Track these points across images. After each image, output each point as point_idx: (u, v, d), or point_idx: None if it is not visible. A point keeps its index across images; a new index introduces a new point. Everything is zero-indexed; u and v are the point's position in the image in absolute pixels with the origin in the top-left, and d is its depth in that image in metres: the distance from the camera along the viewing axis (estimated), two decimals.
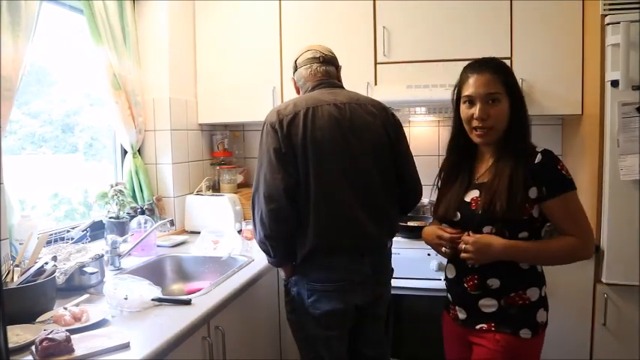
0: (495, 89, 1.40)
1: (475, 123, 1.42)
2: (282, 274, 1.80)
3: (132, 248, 2.05)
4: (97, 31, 2.18)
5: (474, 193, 1.45)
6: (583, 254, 1.43)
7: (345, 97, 1.73)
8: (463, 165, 1.52)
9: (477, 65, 1.45)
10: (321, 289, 1.65)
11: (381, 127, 1.72)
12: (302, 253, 1.66)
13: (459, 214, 1.47)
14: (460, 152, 1.53)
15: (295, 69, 1.85)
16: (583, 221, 1.40)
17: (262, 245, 1.70)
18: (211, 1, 2.77)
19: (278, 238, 1.65)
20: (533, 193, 1.37)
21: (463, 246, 1.41)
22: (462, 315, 1.49)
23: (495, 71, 1.42)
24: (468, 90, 1.43)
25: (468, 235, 1.41)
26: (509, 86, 1.42)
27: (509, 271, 1.40)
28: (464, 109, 1.45)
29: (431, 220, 1.73)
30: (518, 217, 1.36)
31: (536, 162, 1.37)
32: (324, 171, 1.63)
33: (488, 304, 1.42)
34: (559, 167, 1.37)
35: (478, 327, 1.44)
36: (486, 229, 1.40)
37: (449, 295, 1.56)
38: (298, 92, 1.87)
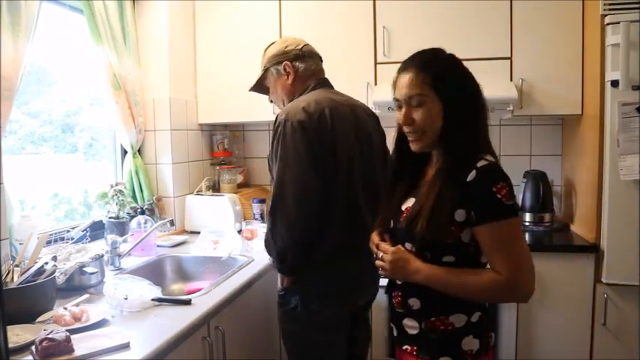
0: (417, 90, 1.20)
1: (404, 129, 1.26)
2: (279, 283, 1.69)
3: (132, 248, 2.05)
4: (97, 31, 2.18)
5: (409, 202, 1.29)
6: (509, 296, 1.22)
7: (347, 98, 1.73)
8: (406, 170, 1.36)
9: (404, 63, 1.27)
10: (331, 293, 1.59)
11: (378, 131, 1.75)
12: (317, 258, 1.57)
13: (392, 223, 1.34)
14: (404, 157, 1.35)
15: (301, 57, 1.74)
16: (515, 257, 1.15)
17: (282, 251, 1.54)
18: (211, 1, 2.77)
19: (304, 244, 1.53)
20: (460, 215, 1.17)
21: (381, 254, 1.30)
22: (394, 332, 1.36)
23: (421, 69, 1.21)
24: (395, 92, 1.27)
25: (394, 245, 1.28)
26: (439, 84, 1.20)
27: (430, 293, 1.23)
28: (396, 113, 1.29)
29: None
30: (442, 240, 1.19)
31: (468, 180, 1.16)
32: (348, 173, 1.58)
33: (410, 325, 1.29)
34: (494, 189, 1.14)
35: (404, 347, 1.31)
36: (408, 245, 1.26)
37: None
38: (288, 80, 1.74)
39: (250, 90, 1.90)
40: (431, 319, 1.25)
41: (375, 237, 1.39)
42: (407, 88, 1.22)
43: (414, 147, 1.27)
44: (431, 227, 1.18)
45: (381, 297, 1.76)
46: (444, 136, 1.22)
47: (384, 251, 1.30)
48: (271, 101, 1.93)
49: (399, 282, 1.31)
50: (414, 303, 1.27)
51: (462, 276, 1.20)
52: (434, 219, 1.18)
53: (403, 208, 1.30)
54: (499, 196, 1.14)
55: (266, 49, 1.83)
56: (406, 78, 1.22)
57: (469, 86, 1.23)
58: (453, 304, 1.22)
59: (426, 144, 1.25)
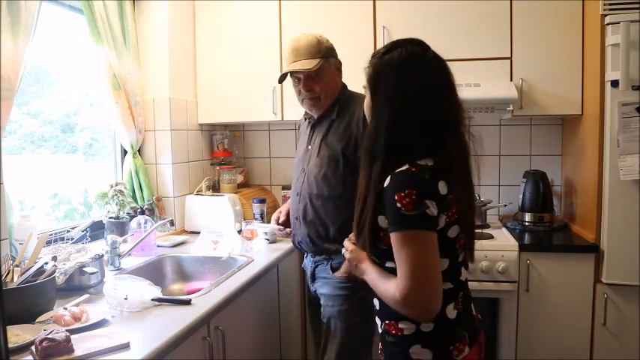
0: (364, 84, 1.24)
1: None
2: (338, 275, 1.77)
3: (132, 248, 2.05)
4: (96, 31, 2.18)
5: None
6: (402, 309, 1.13)
7: None
8: None
9: None
10: None
11: None
12: None
13: None
14: None
15: (337, 59, 1.87)
16: (405, 272, 1.08)
17: None
18: (211, 1, 2.77)
19: None
20: (383, 222, 1.16)
21: (344, 251, 1.37)
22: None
23: (368, 64, 1.23)
24: None
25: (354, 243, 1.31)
26: (370, 83, 1.21)
27: None
28: None
29: None
30: (378, 246, 1.19)
31: (385, 185, 1.13)
32: None
33: (377, 324, 1.30)
34: (396, 197, 1.08)
35: (379, 345, 1.33)
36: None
37: None
38: (339, 75, 1.88)
39: (303, 73, 1.79)
40: (386, 322, 1.25)
41: (352, 235, 1.38)
42: None
43: None
44: (360, 237, 1.21)
45: None
46: (371, 132, 1.20)
47: (346, 248, 1.36)
48: (307, 94, 1.83)
49: None
50: (376, 303, 1.29)
51: (382, 281, 1.19)
52: (360, 229, 1.20)
53: None
54: (399, 204, 1.08)
55: (318, 40, 1.80)
56: None
57: (399, 88, 1.16)
58: None
59: None
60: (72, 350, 1.19)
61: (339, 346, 1.77)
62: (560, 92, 2.41)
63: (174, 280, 2.18)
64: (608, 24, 2.06)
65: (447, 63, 1.22)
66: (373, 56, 1.23)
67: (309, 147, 1.90)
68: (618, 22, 2.00)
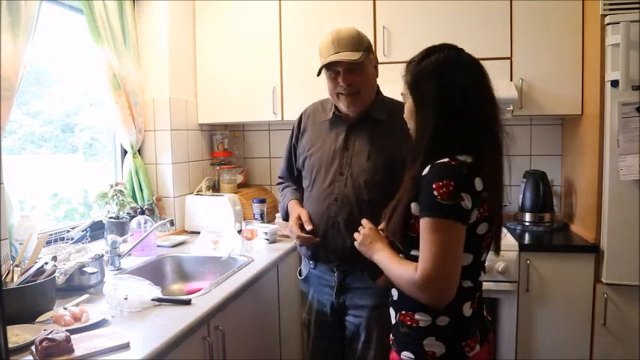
0: (402, 89, 1.30)
1: None
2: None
3: (132, 248, 2.05)
4: (96, 30, 2.18)
5: None
6: (417, 294, 1.17)
7: None
8: None
9: None
10: None
11: None
12: None
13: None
14: None
15: (376, 56, 1.80)
16: (430, 258, 1.12)
17: None
18: (211, 1, 2.77)
19: None
20: (415, 209, 1.20)
21: (360, 228, 1.42)
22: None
23: (405, 68, 1.30)
24: None
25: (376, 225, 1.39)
26: (412, 86, 1.27)
27: None
28: None
29: None
30: (407, 234, 1.22)
31: (423, 174, 1.18)
32: None
33: (392, 315, 1.33)
34: (433, 185, 1.13)
35: (390, 335, 1.36)
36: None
37: None
38: (376, 73, 1.77)
39: (344, 64, 1.65)
40: (402, 312, 1.28)
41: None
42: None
43: None
44: (390, 224, 1.26)
45: None
46: (414, 134, 1.27)
47: (363, 225, 1.42)
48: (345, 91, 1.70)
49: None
50: (394, 293, 1.32)
51: (397, 263, 1.25)
52: (393, 216, 1.25)
53: None
54: (435, 192, 1.13)
55: (359, 33, 1.69)
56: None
57: (442, 90, 1.21)
58: (420, 302, 1.21)
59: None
60: (72, 350, 1.19)
61: (382, 352, 1.68)
62: (560, 92, 2.41)
63: (174, 280, 2.18)
64: (608, 24, 2.06)
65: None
66: (410, 64, 1.28)
67: (347, 148, 1.74)
68: (618, 22, 2.00)
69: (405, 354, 1.26)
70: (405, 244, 1.26)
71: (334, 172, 1.73)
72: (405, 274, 1.19)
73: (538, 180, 2.58)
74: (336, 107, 1.79)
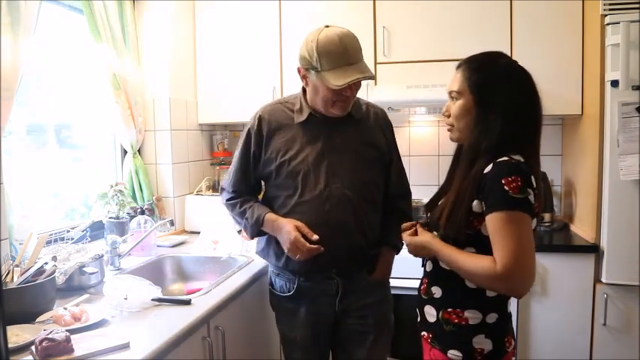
0: (456, 87, 1.31)
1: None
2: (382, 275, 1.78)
3: (132, 248, 2.05)
4: (96, 30, 2.18)
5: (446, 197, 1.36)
6: (500, 287, 1.22)
7: None
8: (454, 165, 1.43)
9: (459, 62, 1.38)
10: None
11: None
12: None
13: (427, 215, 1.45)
14: (458, 153, 1.42)
15: None
16: (512, 249, 1.15)
17: None
18: (211, 1, 2.77)
19: None
20: (476, 206, 1.23)
21: (404, 230, 1.42)
22: (418, 317, 1.41)
23: (464, 68, 1.32)
24: None
25: (414, 231, 1.39)
26: (476, 86, 1.28)
27: (452, 284, 1.29)
28: None
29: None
30: (463, 231, 1.24)
31: (485, 172, 1.22)
32: None
33: (430, 313, 1.35)
34: (503, 181, 1.17)
35: (422, 333, 1.38)
36: (437, 234, 1.35)
37: None
38: None
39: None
40: (447, 310, 1.30)
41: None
42: (451, 84, 1.33)
43: (449, 137, 1.38)
44: (451, 221, 1.25)
45: None
46: (472, 133, 1.29)
47: (404, 228, 1.42)
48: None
49: (427, 270, 1.39)
50: (436, 291, 1.33)
51: (467, 257, 1.24)
52: (454, 213, 1.25)
53: (440, 202, 1.38)
54: (506, 187, 1.17)
55: (355, 36, 1.63)
56: (455, 74, 1.33)
57: (516, 94, 1.27)
58: (471, 300, 1.27)
59: (456, 136, 1.35)
60: (72, 350, 1.19)
61: (386, 347, 1.82)
62: (560, 92, 2.40)
63: (174, 280, 2.18)
64: (608, 24, 2.06)
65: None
66: (470, 66, 1.31)
67: (334, 148, 1.67)
68: (618, 22, 2.00)
69: (453, 352, 1.28)
70: (461, 242, 1.26)
71: (326, 174, 1.64)
72: (482, 267, 1.19)
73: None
74: (312, 108, 1.69)
